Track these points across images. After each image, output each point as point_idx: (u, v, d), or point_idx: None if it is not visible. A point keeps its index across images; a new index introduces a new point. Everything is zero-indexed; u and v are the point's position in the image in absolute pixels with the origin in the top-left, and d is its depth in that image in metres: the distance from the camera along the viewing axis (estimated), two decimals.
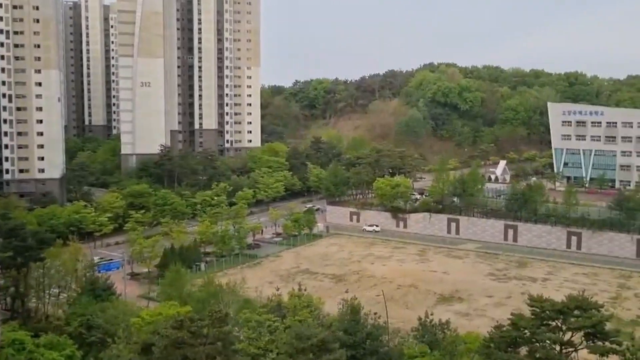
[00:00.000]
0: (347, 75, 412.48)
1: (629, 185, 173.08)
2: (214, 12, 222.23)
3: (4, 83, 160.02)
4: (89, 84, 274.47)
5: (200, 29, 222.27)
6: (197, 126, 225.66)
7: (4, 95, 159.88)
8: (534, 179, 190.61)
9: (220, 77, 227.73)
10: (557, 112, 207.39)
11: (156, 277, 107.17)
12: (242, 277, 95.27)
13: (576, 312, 59.29)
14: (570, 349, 57.81)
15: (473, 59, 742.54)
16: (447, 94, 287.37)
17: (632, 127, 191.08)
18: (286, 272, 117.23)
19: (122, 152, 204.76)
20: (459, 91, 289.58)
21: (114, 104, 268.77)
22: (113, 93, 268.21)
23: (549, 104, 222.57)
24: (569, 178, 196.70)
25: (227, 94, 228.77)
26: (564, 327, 59.28)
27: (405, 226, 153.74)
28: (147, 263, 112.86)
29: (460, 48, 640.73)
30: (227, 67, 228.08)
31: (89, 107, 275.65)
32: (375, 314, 73.36)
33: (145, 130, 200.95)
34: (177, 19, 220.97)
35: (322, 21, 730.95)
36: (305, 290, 78.66)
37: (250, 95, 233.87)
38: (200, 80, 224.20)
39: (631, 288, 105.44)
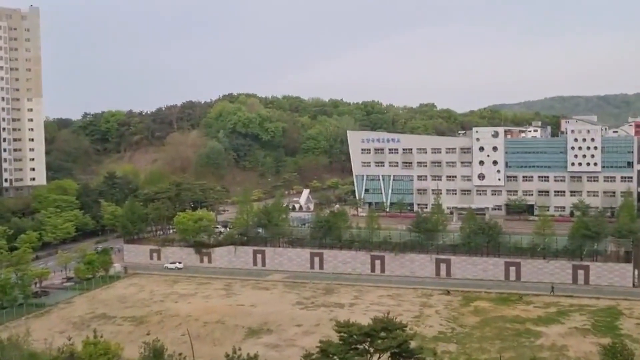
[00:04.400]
0: (142, 107, 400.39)
1: (426, 208, 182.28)
2: None
3: None
4: None
5: None
6: None
7: None
8: (337, 206, 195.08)
9: None
10: (356, 140, 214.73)
11: None
12: (27, 329, 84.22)
13: (382, 333, 61.17)
14: None
15: (273, 89, 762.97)
16: (248, 125, 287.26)
17: (426, 152, 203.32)
18: (80, 319, 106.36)
19: None
20: (260, 121, 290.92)
21: None
22: None
23: (348, 132, 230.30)
24: (370, 203, 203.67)
25: (4, 128, 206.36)
26: (371, 350, 60.97)
27: (210, 261, 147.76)
28: None
29: (260, 79, 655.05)
30: (3, 98, 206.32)
31: None
32: (180, 354, 69.40)
33: None
34: None
35: (114, 50, 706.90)
36: (101, 336, 71.44)
37: (32, 129, 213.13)
38: None
39: (432, 306, 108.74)
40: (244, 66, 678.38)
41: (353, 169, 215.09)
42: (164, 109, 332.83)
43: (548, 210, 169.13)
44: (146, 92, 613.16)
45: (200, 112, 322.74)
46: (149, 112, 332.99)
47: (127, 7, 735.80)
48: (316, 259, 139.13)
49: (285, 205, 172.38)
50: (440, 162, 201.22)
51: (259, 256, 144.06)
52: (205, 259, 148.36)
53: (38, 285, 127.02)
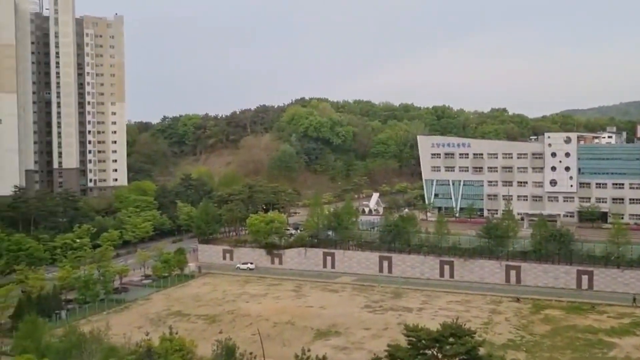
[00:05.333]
0: (217, 111, 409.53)
1: (496, 214, 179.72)
2: (73, 45, 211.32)
3: None
4: None
5: (58, 63, 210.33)
6: (56, 165, 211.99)
7: None
8: (406, 210, 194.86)
9: (82, 113, 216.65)
10: (426, 145, 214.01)
11: (9, 330, 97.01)
12: (107, 323, 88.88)
13: (451, 339, 60.56)
14: None
15: (344, 94, 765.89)
16: (319, 129, 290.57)
17: (497, 157, 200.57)
18: (156, 315, 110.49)
19: None
20: (331, 125, 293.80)
21: None
22: None
23: (418, 137, 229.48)
24: (439, 208, 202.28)
25: (89, 131, 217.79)
26: (439, 355, 60.38)
27: (280, 262, 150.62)
28: None
29: (331, 83, 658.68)
30: (89, 102, 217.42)
31: None
32: (250, 353, 71.62)
33: None
34: (32, 52, 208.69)
35: (191, 56, 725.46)
36: (176, 333, 74.47)
37: (115, 132, 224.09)
38: (59, 117, 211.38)
39: (502, 313, 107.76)
40: (317, 71, 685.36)
41: (423, 174, 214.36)
42: (238, 112, 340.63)
43: (622, 218, 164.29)
44: (221, 97, 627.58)
45: (273, 116, 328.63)
46: (224, 115, 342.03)
47: (203, 15, 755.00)
48: (385, 263, 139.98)
49: (355, 208, 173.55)
50: (511, 168, 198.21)
51: (328, 258, 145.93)
52: (276, 260, 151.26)
53: (119, 282, 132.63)
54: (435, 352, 60.66)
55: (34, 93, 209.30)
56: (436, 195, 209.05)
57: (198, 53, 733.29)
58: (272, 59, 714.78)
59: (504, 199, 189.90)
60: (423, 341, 60.88)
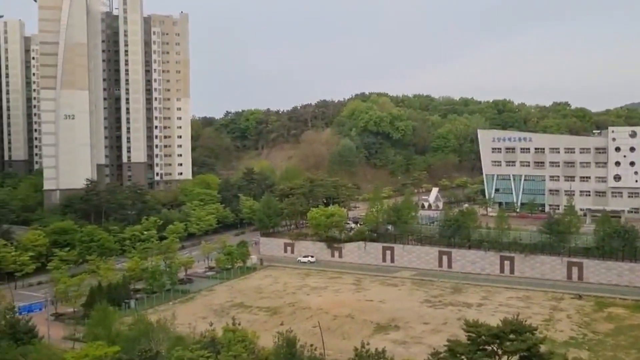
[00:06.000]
0: (279, 106, 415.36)
1: (558, 209, 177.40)
2: (141, 42, 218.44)
3: None
4: (8, 117, 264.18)
5: (127, 60, 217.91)
6: (125, 159, 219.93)
7: None
8: (466, 205, 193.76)
9: (149, 109, 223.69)
10: (487, 139, 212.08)
11: (82, 317, 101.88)
12: (173, 313, 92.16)
13: (511, 335, 60.51)
14: None
15: (403, 88, 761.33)
16: (379, 123, 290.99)
17: (558, 152, 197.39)
18: (220, 306, 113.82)
19: (45, 187, 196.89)
20: (391, 120, 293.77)
21: (35, 138, 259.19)
22: (35, 127, 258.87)
23: (478, 131, 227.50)
24: (500, 203, 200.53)
25: (156, 126, 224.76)
26: (500, 351, 60.45)
27: (340, 256, 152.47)
28: (73, 303, 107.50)
29: (391, 78, 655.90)
30: (156, 98, 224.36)
31: (9, 142, 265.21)
32: (311, 345, 73.34)
33: (70, 164, 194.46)
34: (103, 50, 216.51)
35: (253, 51, 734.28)
36: (239, 324, 76.73)
37: (180, 127, 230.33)
38: (128, 113, 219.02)
39: (563, 310, 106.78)
40: (376, 66, 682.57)
41: (483, 168, 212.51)
42: (299, 107, 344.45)
43: None
44: (283, 92, 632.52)
45: (333, 111, 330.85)
46: (285, 110, 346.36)
47: (263, 13, 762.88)
48: (444, 258, 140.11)
49: (414, 203, 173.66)
50: (573, 163, 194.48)
51: (388, 253, 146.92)
52: (336, 253, 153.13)
53: (184, 273, 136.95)
54: (495, 348, 60.64)
55: (104, 90, 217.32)
56: (497, 190, 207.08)
57: (260, 49, 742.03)
58: (332, 54, 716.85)
59: (566, 194, 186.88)
60: (483, 337, 60.91)
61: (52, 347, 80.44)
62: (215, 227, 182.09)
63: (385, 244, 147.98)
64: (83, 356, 68.57)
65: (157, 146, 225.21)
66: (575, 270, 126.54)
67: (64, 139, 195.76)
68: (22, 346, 77.44)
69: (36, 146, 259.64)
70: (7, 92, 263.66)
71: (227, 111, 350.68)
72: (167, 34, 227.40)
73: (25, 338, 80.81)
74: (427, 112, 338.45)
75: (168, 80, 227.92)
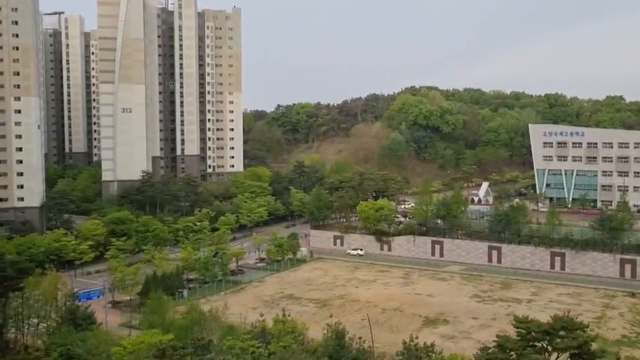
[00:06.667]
0: (329, 99, 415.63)
1: (611, 205, 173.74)
2: (195, 37, 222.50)
3: None
4: (69, 111, 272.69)
5: (181, 55, 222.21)
6: (179, 152, 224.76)
7: None
8: (516, 200, 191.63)
9: (202, 103, 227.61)
10: (538, 134, 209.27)
11: (138, 305, 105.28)
12: (225, 303, 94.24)
13: (562, 332, 59.69)
14: None
15: (454, 82, 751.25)
16: (429, 117, 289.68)
17: (612, 147, 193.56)
18: (270, 297, 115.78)
19: (103, 178, 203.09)
20: (441, 114, 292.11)
21: (94, 131, 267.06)
22: (94, 120, 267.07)
23: (530, 125, 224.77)
24: (551, 199, 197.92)
25: (209, 119, 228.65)
26: (550, 348, 59.72)
27: (389, 249, 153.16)
28: (129, 291, 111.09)
29: (441, 71, 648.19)
30: (209, 92, 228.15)
31: (70, 134, 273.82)
32: (360, 338, 73.80)
33: (127, 156, 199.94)
34: (159, 45, 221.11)
35: (303, 45, 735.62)
36: (289, 315, 78.23)
37: (232, 120, 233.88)
38: (182, 106, 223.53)
39: (615, 308, 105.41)
40: (426, 59, 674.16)
41: (534, 163, 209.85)
42: (349, 101, 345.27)
43: None
44: (333, 85, 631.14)
45: (383, 105, 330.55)
46: (335, 104, 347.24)
47: (314, 6, 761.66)
48: (494, 253, 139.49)
49: (464, 197, 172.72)
50: (627, 158, 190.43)
51: (437, 247, 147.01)
52: (385, 247, 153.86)
53: (235, 264, 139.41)
54: (545, 345, 60.00)
55: (159, 84, 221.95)
56: (548, 185, 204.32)
57: (311, 43, 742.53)
58: (383, 48, 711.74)
59: (619, 190, 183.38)
60: (533, 333, 60.33)
61: (109, 334, 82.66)
62: (266, 219, 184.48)
63: (434, 238, 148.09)
64: (139, 343, 70.21)
65: (209, 139, 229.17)
66: (628, 267, 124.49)
67: (121, 131, 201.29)
68: (81, 332, 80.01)
69: (95, 138, 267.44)
70: (68, 87, 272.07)
71: (278, 105, 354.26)
72: (220, 28, 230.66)
73: (84, 324, 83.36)
74: (477, 105, 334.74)
75: (221, 74, 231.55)
